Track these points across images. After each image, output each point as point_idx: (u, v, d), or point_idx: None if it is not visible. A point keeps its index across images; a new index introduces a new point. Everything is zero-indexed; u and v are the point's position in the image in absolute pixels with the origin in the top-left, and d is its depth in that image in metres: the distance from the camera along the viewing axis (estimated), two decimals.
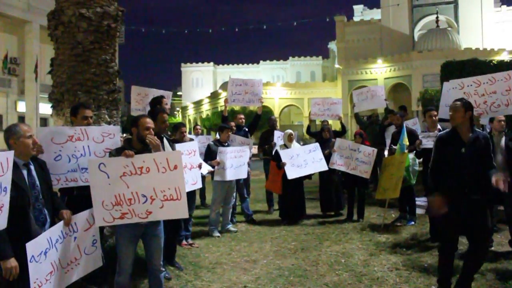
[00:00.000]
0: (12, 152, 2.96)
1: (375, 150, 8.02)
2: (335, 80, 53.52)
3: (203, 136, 10.15)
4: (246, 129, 8.65)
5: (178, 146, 5.34)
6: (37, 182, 3.47)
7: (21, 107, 36.35)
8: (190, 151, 5.56)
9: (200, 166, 5.85)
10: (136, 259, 4.08)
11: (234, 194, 7.82)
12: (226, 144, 7.45)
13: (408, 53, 44.80)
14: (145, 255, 4.08)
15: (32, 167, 3.49)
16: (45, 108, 32.48)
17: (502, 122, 6.08)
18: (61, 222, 3.48)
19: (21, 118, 32.12)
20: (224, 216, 7.54)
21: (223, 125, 7.74)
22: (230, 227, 7.60)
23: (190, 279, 5.15)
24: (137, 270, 4.76)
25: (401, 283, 4.85)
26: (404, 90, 42.83)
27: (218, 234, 7.22)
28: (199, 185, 5.80)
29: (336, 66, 53.15)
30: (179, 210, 3.73)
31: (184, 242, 6.50)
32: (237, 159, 7.33)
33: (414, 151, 7.12)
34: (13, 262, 3.08)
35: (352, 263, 5.61)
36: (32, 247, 3.13)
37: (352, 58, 48.74)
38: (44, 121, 34.03)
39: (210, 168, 6.71)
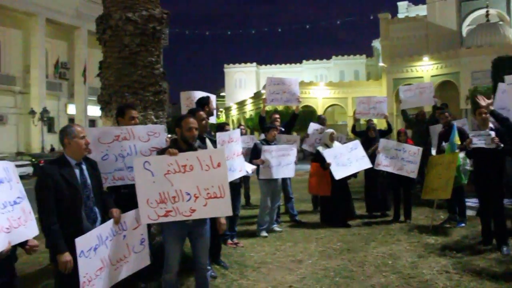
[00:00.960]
0: (11, 163, 3.01)
1: (421, 149, 7.81)
2: (379, 78, 52.58)
3: (247, 136, 10.17)
4: (282, 129, 8.58)
5: (221, 134, 5.35)
6: (89, 181, 3.58)
7: (71, 109, 37.85)
8: (236, 138, 5.53)
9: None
10: (183, 257, 4.13)
11: (280, 194, 7.77)
12: (273, 143, 7.42)
13: (456, 50, 43.31)
14: (192, 253, 4.12)
15: (84, 166, 3.61)
16: (93, 110, 33.69)
17: None
18: (111, 220, 3.57)
19: (71, 120, 33.43)
20: (270, 216, 7.53)
21: (269, 125, 7.73)
22: (275, 227, 7.58)
23: (235, 278, 5.17)
24: (184, 268, 4.84)
25: (452, 287, 4.68)
26: (451, 88, 41.46)
27: (266, 234, 7.20)
28: (244, 172, 5.75)
29: (381, 64, 52.13)
30: (223, 208, 3.74)
31: (229, 241, 6.54)
32: (283, 158, 7.28)
33: (465, 151, 6.87)
34: (67, 256, 3.21)
35: (399, 265, 5.47)
36: (82, 243, 3.24)
37: (397, 56, 47.64)
38: (92, 123, 35.27)
39: (253, 167, 6.70)
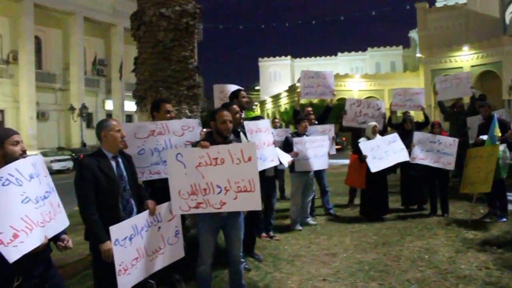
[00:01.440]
0: (38, 157, 3.06)
1: (456, 140, 7.58)
2: (416, 70, 51.46)
3: (281, 129, 10.16)
4: (316, 122, 8.50)
5: (255, 122, 5.35)
6: (125, 174, 3.67)
7: (109, 105, 38.79)
8: (266, 128, 5.48)
9: (296, 154, 5.73)
10: (217, 249, 4.17)
11: (314, 187, 7.74)
12: (305, 135, 7.36)
13: (498, 38, 41.77)
14: (226, 246, 4.16)
15: (120, 159, 3.70)
16: (130, 106, 34.44)
17: None
18: (146, 211, 3.64)
19: (109, 116, 34.22)
20: (303, 210, 7.49)
21: (300, 116, 7.67)
22: (310, 220, 7.55)
23: (269, 271, 5.18)
24: (218, 260, 4.89)
25: (491, 284, 4.53)
26: (493, 78, 40.08)
27: (300, 228, 7.18)
28: (276, 162, 5.68)
29: (418, 55, 50.96)
30: (253, 202, 3.74)
31: (263, 234, 6.56)
32: (318, 149, 7.24)
33: (506, 143, 6.64)
34: (109, 245, 3.31)
35: (436, 260, 5.35)
36: (116, 231, 3.33)
37: (435, 46, 46.43)
38: (129, 118, 36.09)
39: (290, 158, 6.61)
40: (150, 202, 3.69)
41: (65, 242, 2.99)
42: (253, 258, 5.52)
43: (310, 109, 8.87)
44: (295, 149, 6.96)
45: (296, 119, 7.65)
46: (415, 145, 7.71)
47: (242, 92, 5.91)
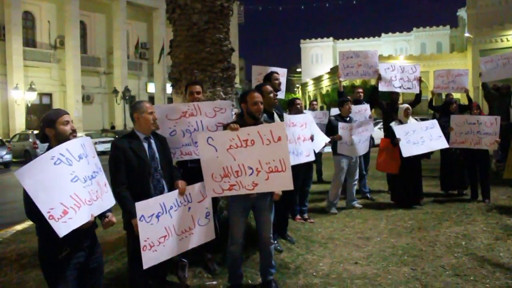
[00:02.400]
0: (87, 138, 3.15)
1: (498, 117, 7.25)
2: (464, 50, 49.46)
3: (319, 111, 10.07)
4: (365, 103, 8.33)
5: (289, 117, 5.34)
6: (157, 155, 3.77)
7: (151, 88, 39.55)
8: (302, 123, 5.45)
9: (312, 139, 5.65)
10: (249, 230, 4.22)
11: (358, 170, 7.63)
12: (348, 118, 7.25)
13: None
14: (256, 227, 4.20)
15: (152, 141, 3.81)
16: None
17: None
18: (176, 191, 3.71)
19: (151, 99, 34.91)
20: (349, 191, 7.44)
21: (343, 98, 7.51)
22: (355, 203, 7.49)
23: (301, 253, 5.21)
24: (250, 241, 4.95)
25: None
26: None
27: (336, 211, 7.15)
28: (312, 158, 5.60)
29: (466, 35, 48.93)
30: (285, 182, 3.74)
31: (298, 216, 6.57)
32: (362, 134, 7.16)
33: None
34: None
35: (473, 246, 5.22)
36: (142, 207, 3.43)
37: (484, 25, 44.35)
38: (170, 100, 36.41)
39: (327, 140, 6.54)
40: (180, 182, 3.75)
41: (109, 217, 3.13)
42: (286, 240, 5.54)
43: (360, 90, 8.68)
44: (339, 133, 6.87)
45: (339, 101, 7.52)
46: (452, 129, 7.45)
47: (275, 75, 5.87)
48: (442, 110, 8.53)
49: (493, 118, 7.28)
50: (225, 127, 3.95)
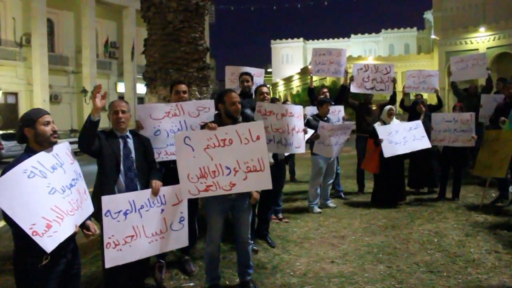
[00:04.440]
0: (63, 145, 3.04)
1: (473, 114, 7.43)
2: (431, 52, 50.72)
3: None
4: (333, 103, 8.39)
5: (288, 106, 5.33)
6: (133, 154, 3.72)
7: (121, 87, 38.93)
8: (298, 114, 5.40)
9: (305, 131, 5.62)
10: (225, 231, 4.19)
11: (335, 170, 7.70)
12: (326, 118, 7.26)
13: None
14: (234, 227, 4.18)
15: (130, 140, 3.76)
16: (142, 88, 34.39)
17: None
18: (148, 190, 3.63)
19: (121, 98, 34.06)
20: (324, 192, 7.47)
21: (324, 99, 7.53)
22: (330, 203, 7.53)
23: (277, 253, 5.22)
24: (227, 241, 4.94)
25: (501, 267, 4.53)
26: (509, 61, 39.32)
27: (319, 210, 7.17)
28: (302, 150, 5.57)
29: (433, 37, 50.16)
30: (263, 181, 3.72)
31: (272, 216, 6.58)
32: (340, 136, 7.18)
33: None
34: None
35: (445, 243, 5.35)
36: (109, 202, 3.37)
37: (450, 28, 45.59)
38: (141, 100, 36.09)
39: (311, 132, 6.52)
40: (154, 182, 3.68)
41: (92, 230, 3.04)
42: (267, 242, 5.52)
43: (326, 90, 8.75)
44: (318, 132, 6.90)
45: (319, 101, 7.50)
46: (433, 128, 7.60)
47: (244, 76, 5.93)
48: (412, 110, 8.70)
49: (468, 115, 7.43)
50: (203, 126, 3.92)
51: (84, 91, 33.09)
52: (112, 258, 3.38)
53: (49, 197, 2.67)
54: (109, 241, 3.36)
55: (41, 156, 2.76)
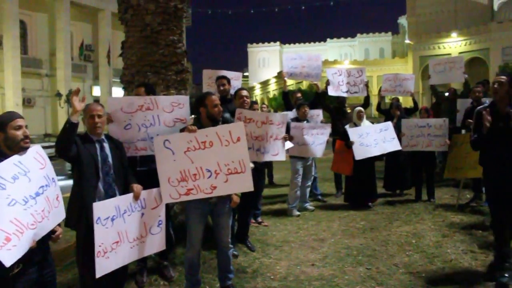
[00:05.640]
0: (33, 149, 2.90)
1: (446, 119, 7.57)
2: (405, 56, 51.63)
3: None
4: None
5: (269, 114, 5.36)
6: (110, 159, 3.63)
7: (96, 91, 38.40)
8: (280, 122, 5.41)
9: (285, 138, 5.60)
10: (205, 236, 4.15)
11: (313, 172, 7.73)
12: (305, 121, 7.30)
13: (486, 25, 42.08)
14: (214, 232, 4.14)
15: (106, 144, 3.67)
16: (118, 92, 34.04)
17: None
18: (130, 194, 3.56)
19: (96, 102, 33.64)
20: (302, 195, 7.47)
21: (301, 102, 7.60)
22: (308, 205, 7.55)
23: (257, 257, 5.20)
24: (207, 246, 4.89)
25: (477, 267, 4.62)
26: (480, 65, 40.38)
27: (299, 213, 7.17)
28: (281, 158, 5.58)
29: (407, 41, 51.08)
30: (244, 183, 3.70)
31: (252, 220, 6.56)
32: (317, 137, 7.18)
33: None
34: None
35: (423, 244, 5.42)
36: (99, 209, 3.27)
37: (423, 33, 46.57)
38: None
39: (291, 145, 6.50)
40: (135, 186, 3.62)
41: (57, 232, 2.96)
42: (247, 246, 5.50)
43: (299, 95, 8.81)
44: (291, 133, 6.91)
45: (297, 105, 7.58)
46: (404, 134, 7.70)
47: (220, 80, 5.92)
48: (388, 113, 8.82)
49: (441, 120, 7.58)
50: (181, 130, 3.87)
51: (59, 94, 32.50)
52: (102, 266, 3.28)
53: (8, 209, 2.51)
54: (99, 249, 3.26)
55: (1, 166, 2.60)
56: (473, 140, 4.52)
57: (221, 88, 5.85)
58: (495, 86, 4.27)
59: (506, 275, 4.11)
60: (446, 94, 9.57)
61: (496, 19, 44.49)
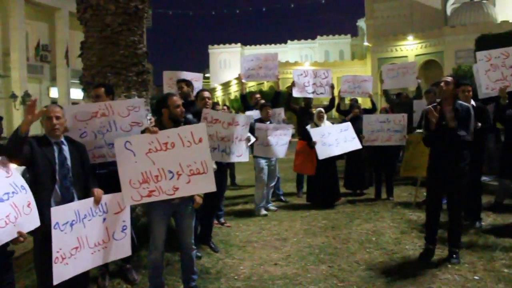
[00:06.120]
0: (4, 158, 2.92)
1: (405, 115, 7.78)
2: (364, 58, 52.77)
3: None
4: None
5: (235, 115, 5.41)
6: (68, 162, 3.55)
7: (54, 93, 37.26)
8: (244, 123, 5.49)
9: (248, 140, 5.71)
10: (169, 237, 4.13)
11: (276, 173, 7.80)
12: (269, 122, 7.36)
13: (440, 29, 43.63)
14: (177, 233, 4.13)
15: (65, 147, 3.58)
16: (76, 93, 33.26)
17: None
18: (91, 199, 3.50)
19: (54, 103, 32.72)
20: (265, 195, 7.53)
21: (263, 103, 7.67)
22: (271, 206, 7.61)
23: (221, 257, 5.22)
24: (170, 248, 4.86)
25: (433, 261, 4.78)
26: (435, 67, 41.79)
27: (266, 212, 7.24)
28: (245, 159, 5.69)
29: (365, 44, 52.29)
30: (206, 184, 3.71)
31: (214, 221, 6.55)
32: (280, 137, 7.25)
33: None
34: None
35: (383, 241, 5.57)
36: (58, 214, 3.20)
37: (381, 36, 47.76)
38: None
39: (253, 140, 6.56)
40: (96, 190, 3.56)
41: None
42: (210, 247, 5.50)
43: (258, 96, 8.88)
44: (256, 134, 6.96)
45: (259, 106, 7.65)
46: (364, 136, 7.83)
47: (180, 84, 5.94)
48: (347, 114, 9.00)
49: (401, 115, 7.78)
50: (142, 132, 3.84)
51: (14, 96, 31.39)
52: (61, 273, 3.19)
53: None
54: (57, 255, 3.18)
55: None
56: (423, 138, 4.93)
57: (179, 91, 5.83)
58: (442, 85, 4.65)
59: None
60: (394, 97, 9.76)
61: (449, 23, 46.18)
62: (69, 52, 33.37)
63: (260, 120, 7.32)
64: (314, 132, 7.40)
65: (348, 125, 7.77)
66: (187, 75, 7.20)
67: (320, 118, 7.72)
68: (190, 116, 4.76)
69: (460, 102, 4.76)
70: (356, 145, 7.67)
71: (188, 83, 5.99)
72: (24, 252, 5.24)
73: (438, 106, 4.67)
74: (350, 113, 8.83)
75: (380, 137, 7.80)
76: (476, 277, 4.27)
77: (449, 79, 4.70)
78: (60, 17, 36.47)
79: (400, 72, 9.18)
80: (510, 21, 38.79)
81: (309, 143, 7.42)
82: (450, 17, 48.44)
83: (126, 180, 3.61)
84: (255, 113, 7.79)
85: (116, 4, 5.33)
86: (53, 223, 3.16)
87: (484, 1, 47.40)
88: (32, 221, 2.95)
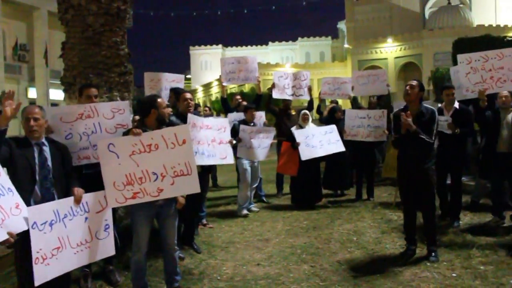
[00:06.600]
0: None
1: (385, 111, 7.81)
2: (344, 60, 53.24)
3: (212, 117, 10.12)
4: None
5: (211, 119, 5.50)
6: (49, 162, 3.53)
7: (32, 93, 36.64)
8: (220, 126, 5.58)
9: (231, 142, 5.81)
10: (151, 238, 4.13)
11: (258, 174, 7.85)
12: (252, 124, 7.43)
13: (419, 32, 44.35)
14: (160, 234, 4.13)
15: (46, 148, 3.56)
16: (56, 94, 32.77)
17: (504, 98, 5.84)
18: (71, 198, 3.47)
19: (33, 104, 32.19)
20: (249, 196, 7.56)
21: (247, 105, 7.74)
22: (253, 207, 7.66)
23: (203, 258, 5.23)
24: (152, 249, 4.85)
25: (413, 260, 4.86)
26: (414, 70, 42.47)
27: (247, 213, 7.29)
28: (230, 161, 5.78)
29: (346, 46, 52.80)
30: (191, 185, 3.73)
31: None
32: (262, 140, 7.33)
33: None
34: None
35: (364, 241, 5.66)
36: (35, 213, 3.17)
37: (361, 38, 48.34)
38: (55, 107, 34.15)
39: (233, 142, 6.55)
40: (76, 189, 3.54)
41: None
42: (192, 248, 5.50)
43: (238, 97, 8.91)
44: (240, 135, 7.01)
45: (243, 108, 7.71)
46: (348, 135, 7.87)
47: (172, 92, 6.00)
48: (329, 116, 9.06)
49: (381, 111, 7.82)
50: (127, 132, 3.84)
51: None
52: (42, 274, 3.15)
53: None
54: (38, 255, 3.14)
55: None
56: (393, 140, 5.09)
57: (169, 100, 5.91)
58: (407, 89, 4.77)
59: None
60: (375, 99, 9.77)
61: (427, 26, 46.93)
62: (48, 52, 32.85)
63: (243, 122, 7.36)
64: (298, 134, 7.47)
65: (333, 127, 7.80)
66: (168, 76, 7.18)
67: (305, 120, 7.77)
68: (173, 118, 4.78)
69: (426, 105, 4.89)
70: (340, 147, 7.69)
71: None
72: (2, 256, 5.18)
73: (407, 110, 4.74)
74: (330, 118, 8.84)
75: (361, 132, 7.84)
76: (454, 274, 4.38)
77: (414, 82, 4.82)
78: (38, 16, 35.91)
79: (370, 79, 9.05)
80: (486, 25, 39.67)
81: (293, 144, 7.48)
82: (428, 21, 49.24)
83: (110, 182, 3.62)
84: (237, 116, 7.82)
85: (98, 4, 5.31)
86: (30, 223, 3.13)
87: (461, 5, 48.36)
88: (21, 223, 2.95)
